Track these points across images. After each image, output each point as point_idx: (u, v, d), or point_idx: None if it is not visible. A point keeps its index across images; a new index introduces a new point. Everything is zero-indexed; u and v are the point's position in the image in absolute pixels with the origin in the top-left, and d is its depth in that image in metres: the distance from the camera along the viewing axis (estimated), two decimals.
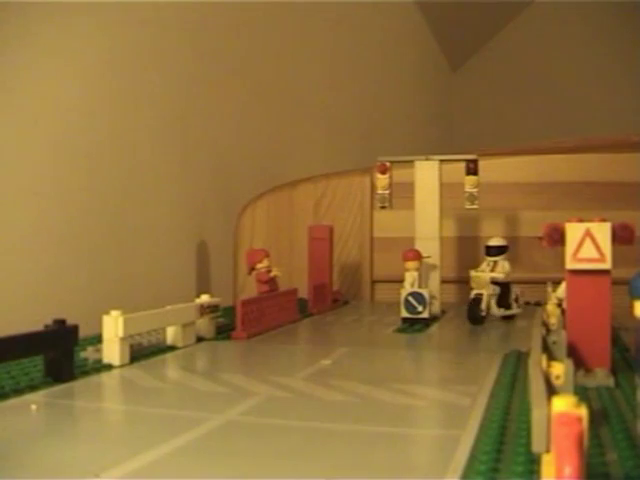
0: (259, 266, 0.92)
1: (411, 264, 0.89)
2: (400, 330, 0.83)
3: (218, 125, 1.24)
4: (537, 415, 0.32)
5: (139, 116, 1.02)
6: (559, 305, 0.68)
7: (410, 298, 0.86)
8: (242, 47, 1.31)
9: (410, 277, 0.89)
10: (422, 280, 0.91)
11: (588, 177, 1.16)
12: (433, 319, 0.90)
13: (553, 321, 0.60)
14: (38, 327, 0.55)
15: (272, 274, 0.91)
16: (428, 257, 0.93)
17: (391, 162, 0.96)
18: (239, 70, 1.30)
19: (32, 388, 0.53)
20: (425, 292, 0.87)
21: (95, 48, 0.92)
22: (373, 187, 1.22)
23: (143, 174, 1.04)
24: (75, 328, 0.57)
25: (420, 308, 0.86)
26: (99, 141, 0.94)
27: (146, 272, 1.04)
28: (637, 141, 1.26)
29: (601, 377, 0.53)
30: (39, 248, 0.84)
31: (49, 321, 0.56)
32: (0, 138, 0.79)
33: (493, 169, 1.13)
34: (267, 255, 0.92)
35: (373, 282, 1.23)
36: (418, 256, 0.90)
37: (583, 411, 0.30)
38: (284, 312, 0.88)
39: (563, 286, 0.73)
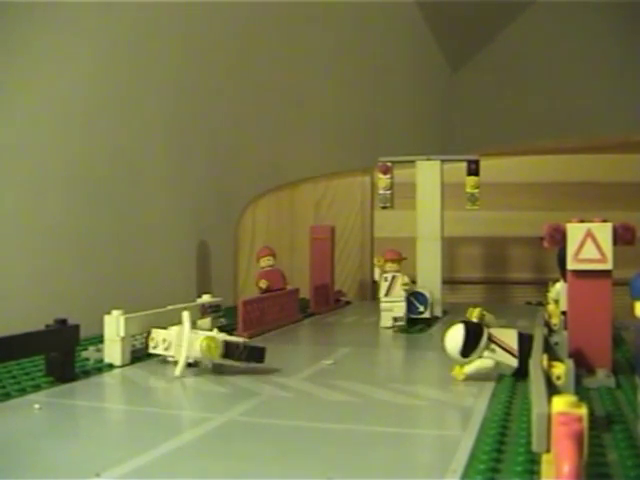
0: (262, 261, 0.93)
1: (390, 265, 0.86)
2: (401, 330, 0.83)
3: (219, 125, 1.24)
4: (537, 415, 0.32)
5: (139, 116, 1.02)
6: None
7: (411, 298, 0.86)
8: (242, 47, 1.31)
9: (385, 282, 0.86)
10: (394, 285, 0.86)
11: (589, 178, 1.16)
12: (435, 319, 0.90)
13: (555, 321, 0.60)
14: (38, 327, 0.55)
15: (261, 285, 0.91)
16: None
17: (392, 162, 0.96)
18: (239, 70, 1.30)
19: (33, 388, 0.53)
20: (427, 292, 0.86)
21: (95, 49, 0.92)
22: (374, 187, 1.22)
23: (143, 174, 1.04)
24: (76, 328, 0.57)
25: (422, 308, 0.85)
26: (99, 141, 0.94)
27: (147, 272, 1.04)
28: (638, 141, 1.26)
29: (602, 378, 0.53)
30: (39, 248, 0.84)
31: (48, 321, 0.56)
32: (0, 138, 0.79)
33: (493, 169, 1.13)
34: (272, 254, 0.93)
35: (374, 282, 1.23)
36: (398, 256, 0.87)
37: (583, 411, 0.30)
38: (285, 312, 0.88)
39: (557, 287, 0.73)
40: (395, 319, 0.84)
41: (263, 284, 0.91)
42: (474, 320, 0.54)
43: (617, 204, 1.11)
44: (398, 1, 2.13)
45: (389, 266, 0.86)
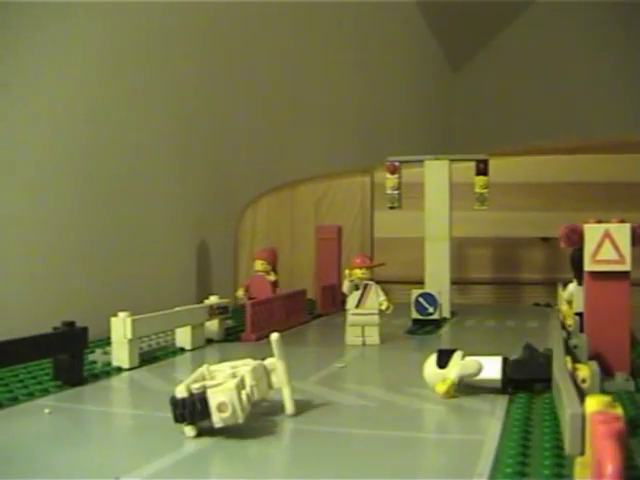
0: (256, 264, 0.89)
1: (362, 272, 0.74)
2: (411, 332, 0.82)
3: (219, 125, 1.23)
4: (571, 415, 0.31)
5: (139, 116, 1.02)
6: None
7: (420, 299, 0.85)
8: (242, 47, 1.30)
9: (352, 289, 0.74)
10: (367, 295, 0.74)
11: (589, 178, 1.16)
12: (443, 320, 0.89)
13: (570, 322, 0.59)
14: (44, 330, 0.54)
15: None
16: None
17: (400, 162, 0.95)
18: (239, 70, 1.29)
19: (42, 392, 0.52)
20: (435, 293, 0.85)
21: (97, 48, 0.92)
22: (374, 187, 1.22)
23: (144, 175, 1.03)
24: (85, 330, 0.56)
25: (431, 309, 0.85)
26: (100, 142, 0.93)
27: (147, 273, 1.03)
28: (638, 141, 1.26)
29: (621, 381, 0.52)
30: (44, 251, 0.83)
31: (50, 324, 0.55)
32: (4, 140, 0.78)
33: (494, 169, 1.12)
34: (266, 259, 0.88)
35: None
36: (369, 263, 0.75)
37: (619, 410, 0.29)
38: (293, 313, 0.87)
39: (570, 288, 0.72)
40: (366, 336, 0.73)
41: (240, 294, 0.86)
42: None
43: (618, 204, 1.11)
44: (399, 1, 2.12)
45: (360, 273, 0.74)
